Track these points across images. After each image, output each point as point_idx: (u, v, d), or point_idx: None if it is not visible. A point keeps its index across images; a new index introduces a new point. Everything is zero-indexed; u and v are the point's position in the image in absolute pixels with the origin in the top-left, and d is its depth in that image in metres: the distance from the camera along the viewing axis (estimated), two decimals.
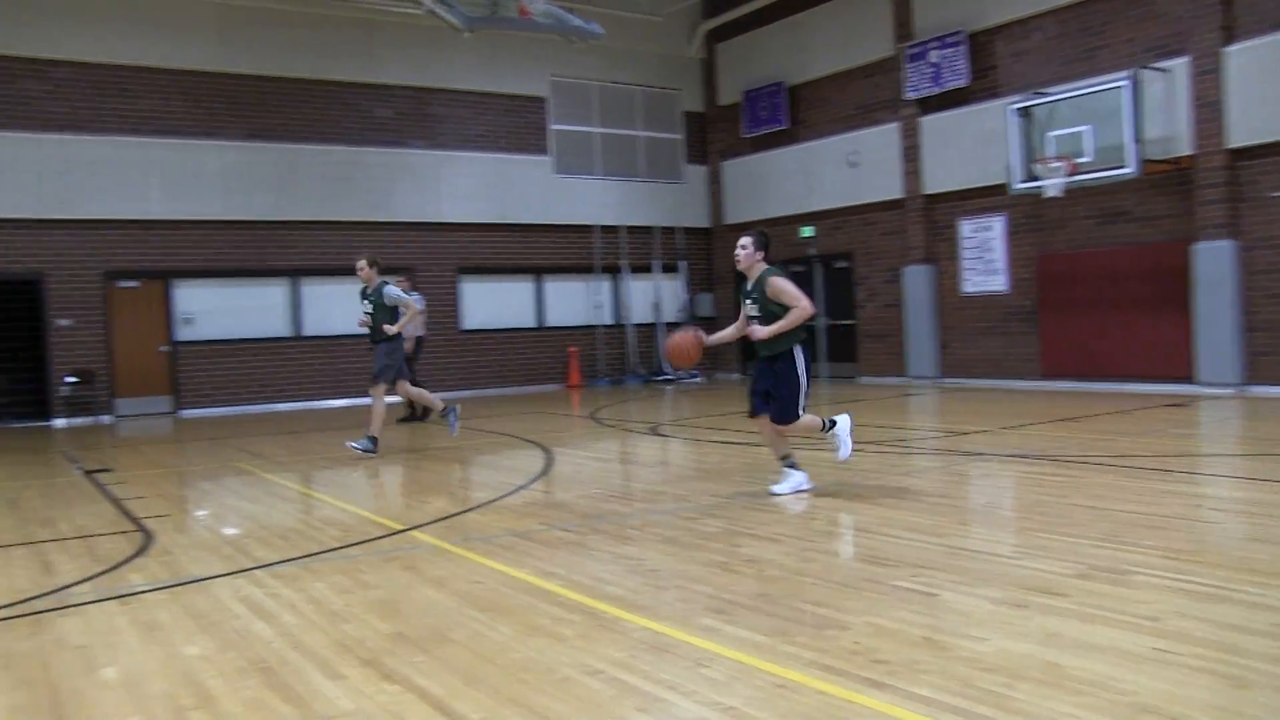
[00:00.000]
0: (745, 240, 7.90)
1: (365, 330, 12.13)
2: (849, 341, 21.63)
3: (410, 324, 15.46)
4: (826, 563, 5.85)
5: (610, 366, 23.45)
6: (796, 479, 7.99)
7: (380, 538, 6.93)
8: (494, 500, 8.32)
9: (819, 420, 7.99)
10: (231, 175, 19.60)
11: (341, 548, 6.68)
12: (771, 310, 7.69)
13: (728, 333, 8.29)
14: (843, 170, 21.16)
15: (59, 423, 18.27)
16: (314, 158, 20.26)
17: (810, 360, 7.93)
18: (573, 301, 23.11)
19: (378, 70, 20.98)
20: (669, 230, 24.17)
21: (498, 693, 3.94)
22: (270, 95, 20.14)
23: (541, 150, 22.69)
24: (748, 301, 7.88)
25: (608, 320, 23.57)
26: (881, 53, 20.33)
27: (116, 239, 18.88)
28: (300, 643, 4.63)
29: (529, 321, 22.66)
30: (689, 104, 24.70)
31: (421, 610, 5.12)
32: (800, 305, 7.61)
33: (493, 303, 22.09)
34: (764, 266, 7.85)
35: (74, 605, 5.53)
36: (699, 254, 24.72)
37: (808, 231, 22.03)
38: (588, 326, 23.27)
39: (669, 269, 24.27)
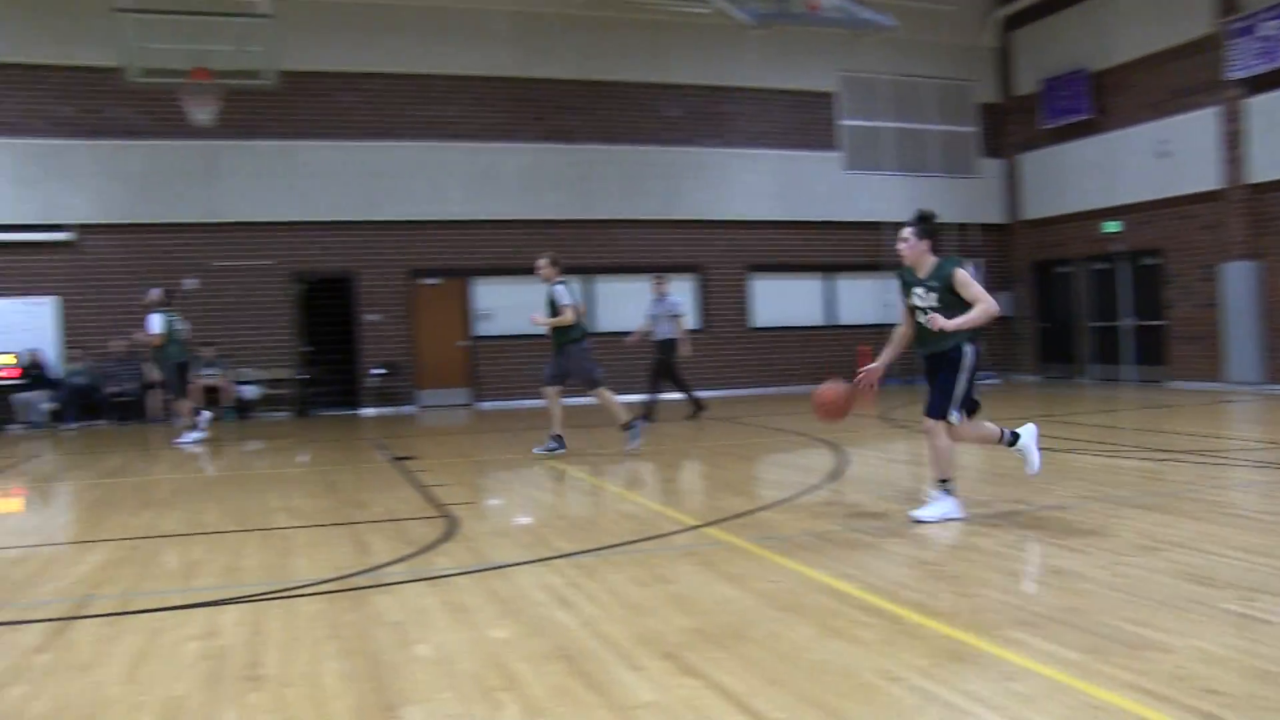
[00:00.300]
0: (907, 231, 7.34)
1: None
2: (1157, 343, 20.32)
3: (662, 326, 15.65)
4: (1142, 579, 5.45)
5: (901, 366, 22.85)
6: (946, 506, 7.15)
7: (675, 533, 6.99)
8: (788, 499, 8.26)
9: (996, 430, 7.39)
10: (528, 176, 20.41)
11: (637, 541, 6.77)
12: (950, 302, 7.10)
13: (891, 349, 7.67)
14: (1151, 160, 19.90)
15: (367, 412, 19.51)
16: (606, 158, 20.82)
17: (979, 360, 7.27)
18: (863, 299, 22.72)
19: (667, 70, 21.33)
20: (963, 227, 23.38)
21: (798, 693, 3.87)
22: (564, 98, 20.84)
23: (830, 146, 22.45)
24: (921, 291, 7.27)
25: (898, 319, 23.03)
26: (1198, 31, 18.96)
27: (420, 239, 20.01)
28: (601, 633, 4.70)
29: (818, 319, 22.47)
30: (983, 95, 23.85)
31: (719, 607, 5.11)
32: (987, 302, 7.02)
33: (782, 300, 22.04)
34: (936, 256, 7.32)
35: (388, 584, 5.84)
36: (994, 251, 23.81)
37: (1112, 227, 20.86)
38: (878, 325, 22.80)
39: None
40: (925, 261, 7.34)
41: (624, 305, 20.44)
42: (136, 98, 18.37)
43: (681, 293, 21.16)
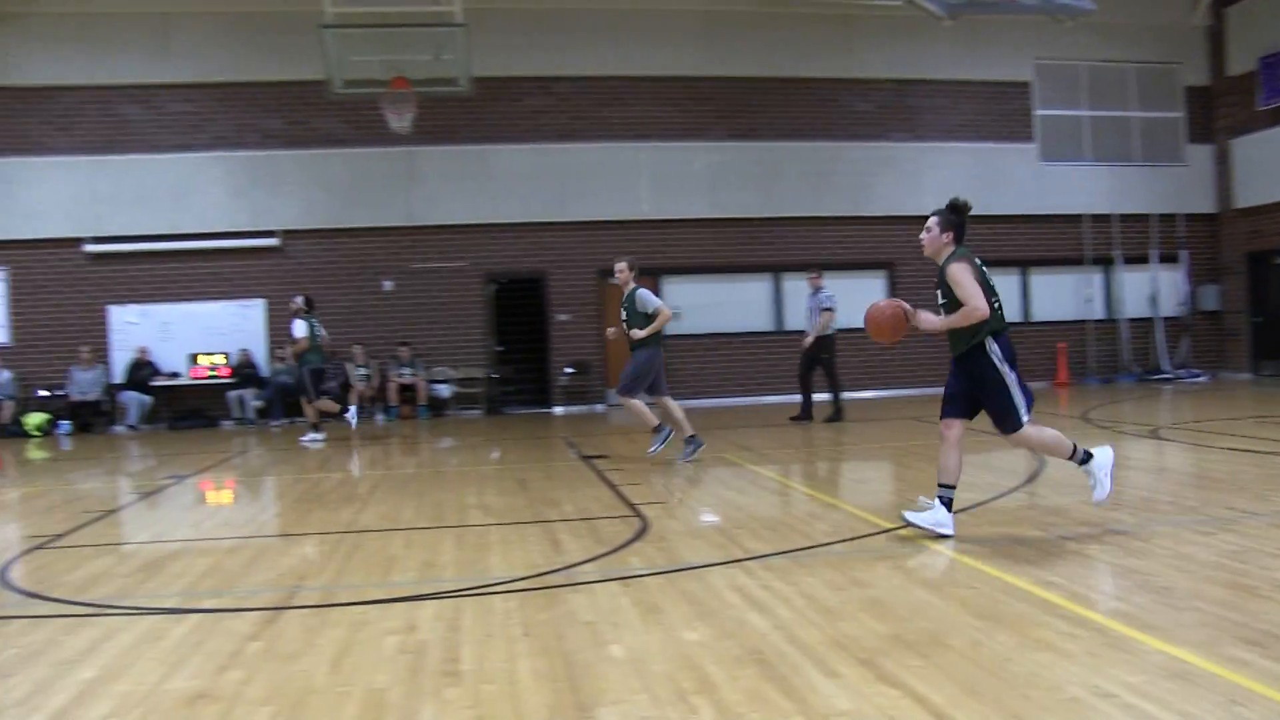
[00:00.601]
0: (930, 220, 6.78)
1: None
2: None
3: (814, 320, 15.29)
4: None
5: (1101, 364, 22.05)
6: (938, 516, 6.54)
7: (869, 535, 6.85)
8: (984, 502, 8.00)
9: (1069, 443, 6.67)
10: (716, 175, 20.41)
11: (830, 543, 6.66)
12: (953, 300, 6.57)
13: (935, 323, 6.80)
14: None
15: (557, 410, 19.83)
16: (794, 155, 20.66)
17: (1011, 353, 6.55)
18: (1060, 295, 21.93)
19: (857, 65, 21.03)
20: (1168, 217, 22.33)
21: (1001, 706, 3.71)
22: (752, 96, 20.78)
23: (1026, 137, 21.74)
24: (939, 291, 6.75)
25: (1099, 315, 22.18)
26: None
27: (610, 238, 20.22)
28: (795, 637, 4.63)
29: (1013, 315, 21.62)
30: (1191, 78, 22.69)
31: (916, 612, 4.97)
32: (971, 306, 6.37)
33: None
34: (952, 249, 6.71)
35: (581, 583, 5.89)
36: (1203, 242, 22.64)
37: None
38: (1077, 321, 22.01)
39: (1168, 259, 22.40)
40: (942, 255, 6.80)
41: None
42: (339, 108, 19.20)
43: (870, 290, 20.85)
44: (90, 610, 5.69)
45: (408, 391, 19.45)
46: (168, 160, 19.60)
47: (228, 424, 18.94)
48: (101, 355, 19.55)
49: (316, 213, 19.80)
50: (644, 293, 11.39)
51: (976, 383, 6.59)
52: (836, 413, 15.25)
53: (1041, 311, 21.85)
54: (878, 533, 6.89)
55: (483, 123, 20.02)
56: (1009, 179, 21.46)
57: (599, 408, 20.14)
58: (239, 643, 4.90)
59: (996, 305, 6.58)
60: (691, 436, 11.43)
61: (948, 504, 6.56)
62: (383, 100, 17.31)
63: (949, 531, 6.51)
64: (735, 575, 5.87)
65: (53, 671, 4.58)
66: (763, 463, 11.21)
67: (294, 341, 15.25)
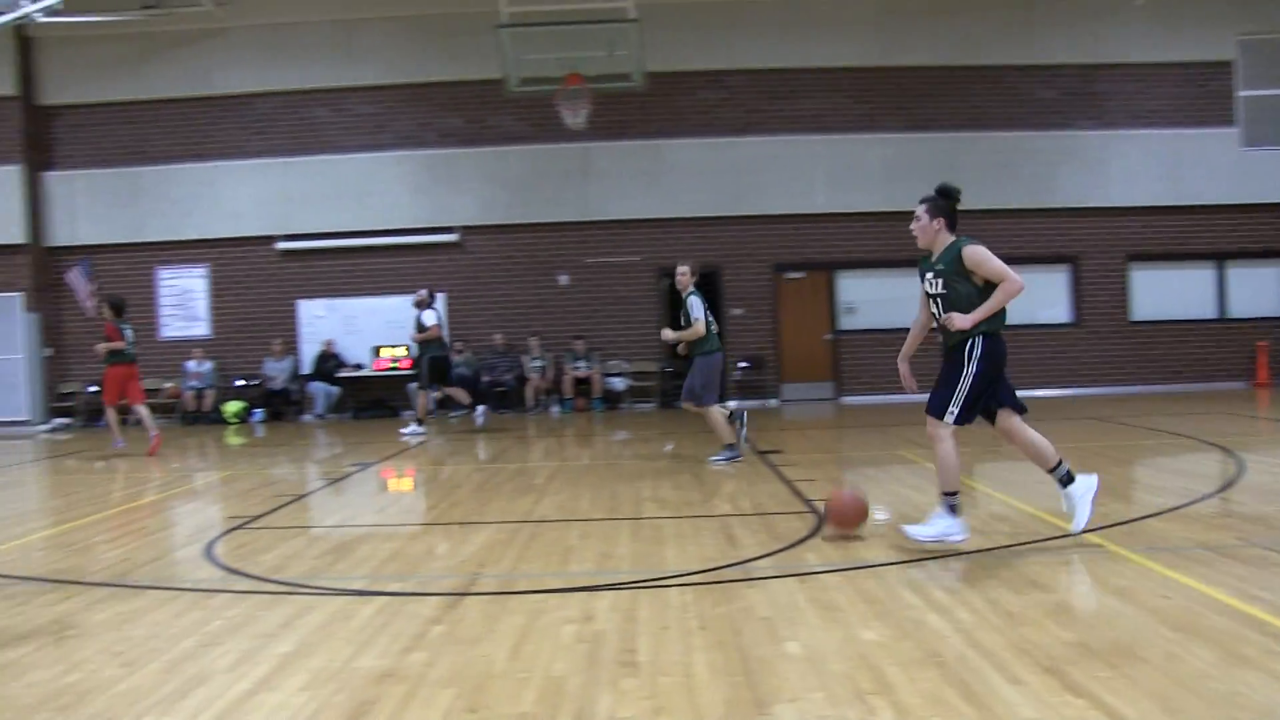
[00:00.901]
0: (919, 209, 6.53)
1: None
2: None
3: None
4: None
5: None
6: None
7: (1052, 538, 6.61)
8: (1178, 507, 7.63)
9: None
10: (891, 167, 20.03)
11: (1011, 545, 6.46)
12: (959, 288, 6.22)
13: (909, 342, 6.86)
14: None
15: (731, 404, 19.71)
16: (973, 145, 20.10)
17: (1002, 355, 6.26)
18: (1261, 290, 20.74)
19: (1040, 50, 20.33)
20: None
21: None
22: (928, 86, 20.33)
23: (1225, 121, 20.60)
24: (930, 276, 6.38)
25: None
26: None
27: (784, 233, 20.11)
28: (976, 641, 4.50)
29: (1207, 312, 20.71)
30: None
31: (1105, 621, 4.78)
32: (1010, 280, 6.10)
33: (1165, 292, 20.49)
34: (952, 236, 6.42)
35: (757, 579, 5.86)
36: None
37: None
38: (1278, 318, 20.79)
39: None
40: (938, 244, 6.48)
41: None
42: (515, 106, 19.61)
43: (1052, 285, 20.24)
44: (285, 589, 5.95)
45: (583, 384, 19.72)
46: (353, 160, 20.36)
47: (408, 414, 19.52)
48: (292, 347, 20.46)
49: (494, 209, 20.24)
50: (692, 299, 11.30)
51: (951, 363, 6.32)
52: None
53: (1240, 308, 20.70)
54: (1061, 536, 6.64)
55: (656, 118, 20.13)
56: (1205, 166, 20.39)
57: (773, 402, 20.04)
58: (422, 626, 5.04)
59: None
60: (730, 445, 11.23)
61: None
62: (558, 97, 17.57)
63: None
64: (913, 575, 5.75)
65: (254, 644, 4.84)
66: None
67: (423, 329, 15.58)
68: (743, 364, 20.04)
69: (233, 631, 5.08)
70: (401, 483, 11.38)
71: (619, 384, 20.00)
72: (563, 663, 4.42)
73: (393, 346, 20.06)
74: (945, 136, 20.12)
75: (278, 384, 20.19)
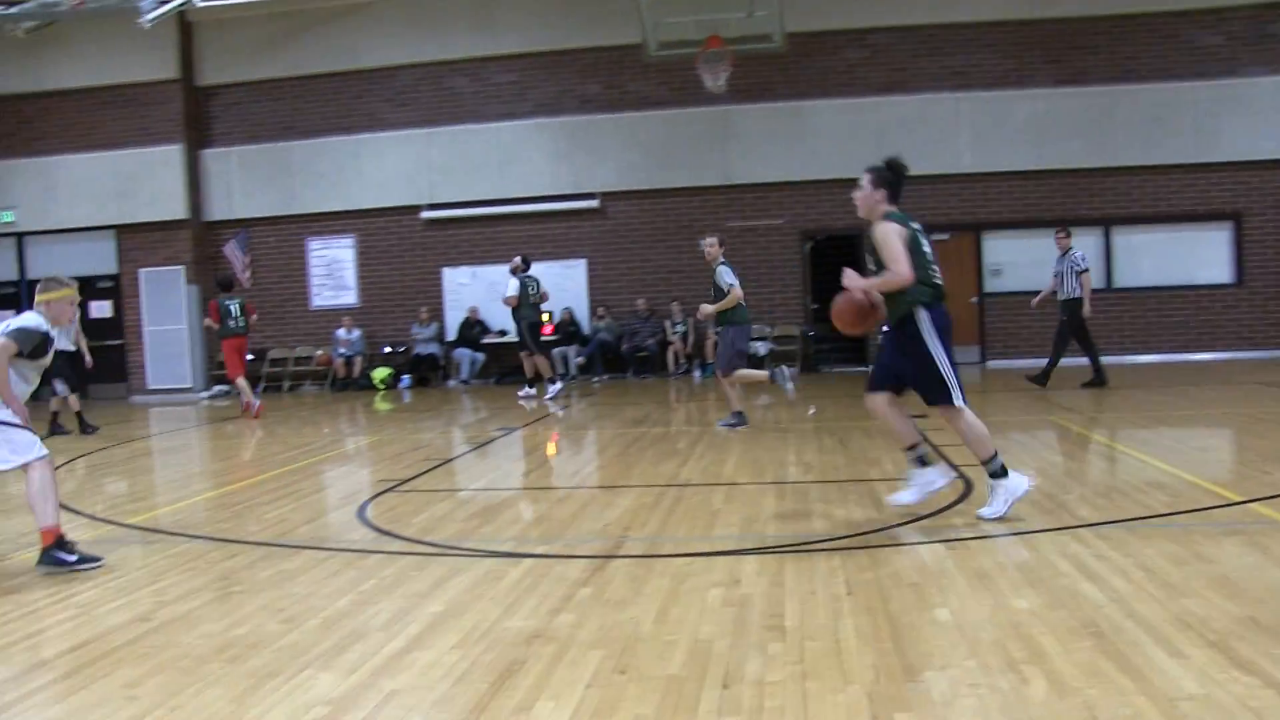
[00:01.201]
0: (863, 178, 6.38)
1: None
2: None
3: (1066, 283, 14.29)
4: None
5: None
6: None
7: (1214, 507, 6.36)
8: None
9: (992, 447, 6.18)
10: (1040, 124, 19.39)
11: (1170, 514, 6.25)
12: (881, 263, 6.08)
13: (860, 282, 6.43)
14: None
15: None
16: (1128, 98, 19.27)
17: (946, 328, 6.11)
18: None
19: None
20: None
21: None
22: (1080, 37, 19.52)
23: None
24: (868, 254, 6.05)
25: None
26: None
27: (928, 193, 19.58)
28: (1134, 611, 4.36)
29: None
30: None
31: (1274, 594, 4.57)
32: (894, 269, 5.93)
33: None
34: (885, 210, 6.25)
35: (904, 544, 5.80)
36: None
37: None
38: None
39: None
40: (875, 215, 6.31)
41: (1143, 258, 19.08)
42: (655, 71, 19.57)
43: (1214, 243, 19.38)
44: (434, 550, 6.10)
45: None
46: (493, 129, 20.60)
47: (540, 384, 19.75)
48: (437, 314, 20.90)
49: (635, 174, 20.27)
50: (722, 268, 11.41)
51: (903, 354, 6.29)
52: (1097, 378, 14.36)
53: None
54: (1223, 505, 6.39)
55: (798, 79, 19.84)
56: None
57: None
58: (570, 588, 5.12)
59: (934, 275, 6.18)
60: (738, 412, 11.52)
61: (920, 460, 6.44)
62: (698, 60, 17.48)
63: (944, 482, 6.50)
64: (1066, 543, 5.60)
65: (407, 603, 4.98)
66: (1091, 425, 10.66)
67: (507, 299, 15.82)
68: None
69: (386, 591, 5.23)
70: (546, 447, 11.55)
71: (761, 348, 19.86)
72: (710, 626, 4.43)
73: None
74: (1098, 90, 19.34)
75: (424, 350, 20.66)
